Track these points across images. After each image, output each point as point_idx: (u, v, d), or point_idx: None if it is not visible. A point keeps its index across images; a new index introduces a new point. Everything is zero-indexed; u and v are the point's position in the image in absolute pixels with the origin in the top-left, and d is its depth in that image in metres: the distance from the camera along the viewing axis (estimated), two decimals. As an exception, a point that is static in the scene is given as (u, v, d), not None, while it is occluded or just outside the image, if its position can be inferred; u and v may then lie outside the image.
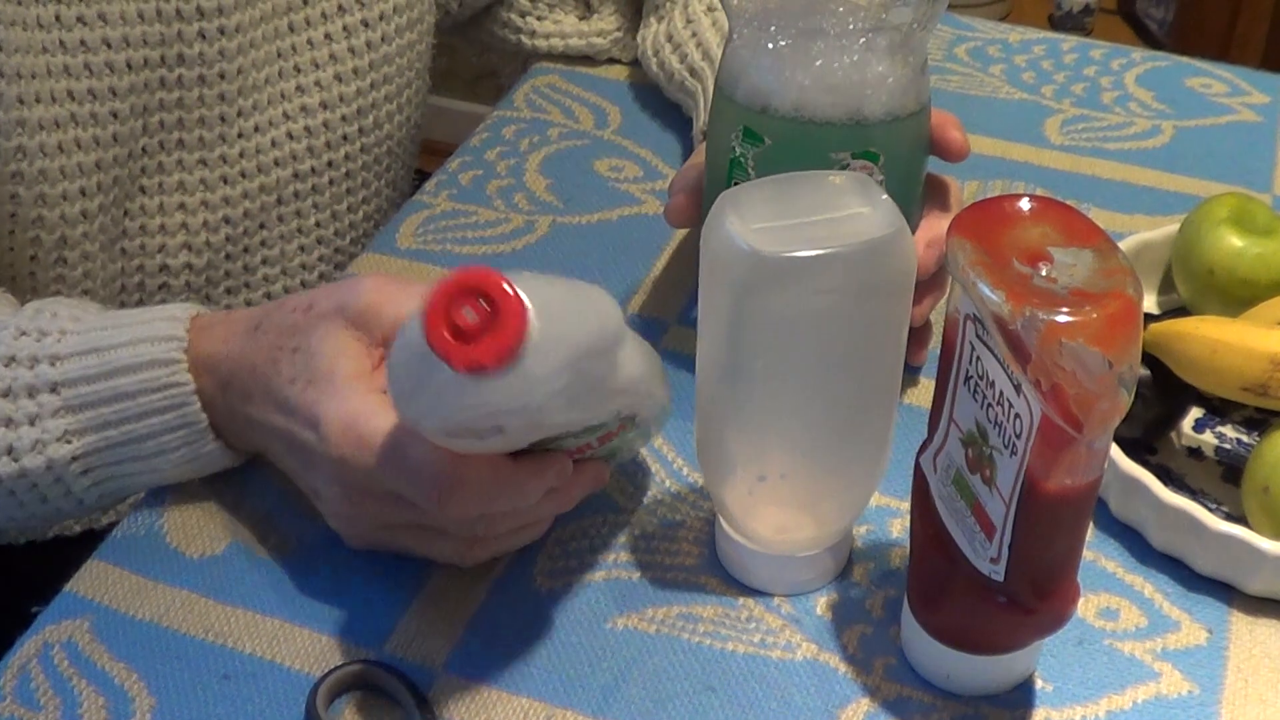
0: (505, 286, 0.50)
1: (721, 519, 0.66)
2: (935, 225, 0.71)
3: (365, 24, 0.88)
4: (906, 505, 0.63)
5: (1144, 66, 1.07)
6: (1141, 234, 0.80)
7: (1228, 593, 0.66)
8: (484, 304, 0.50)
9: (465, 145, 0.96)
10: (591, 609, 0.64)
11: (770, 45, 0.66)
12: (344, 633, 0.63)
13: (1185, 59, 1.08)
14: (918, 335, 0.74)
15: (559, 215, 0.89)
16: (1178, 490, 0.66)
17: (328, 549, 0.66)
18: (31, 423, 0.63)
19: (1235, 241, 0.75)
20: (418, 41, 0.93)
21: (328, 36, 0.87)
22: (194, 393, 0.64)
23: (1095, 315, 0.49)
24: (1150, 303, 0.81)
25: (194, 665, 0.62)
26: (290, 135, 0.86)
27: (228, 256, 0.86)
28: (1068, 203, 0.54)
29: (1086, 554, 0.66)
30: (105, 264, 0.80)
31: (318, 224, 0.90)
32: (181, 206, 0.82)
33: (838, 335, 0.57)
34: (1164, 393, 0.71)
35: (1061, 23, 2.20)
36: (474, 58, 2.40)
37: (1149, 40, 2.20)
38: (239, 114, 0.83)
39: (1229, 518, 0.66)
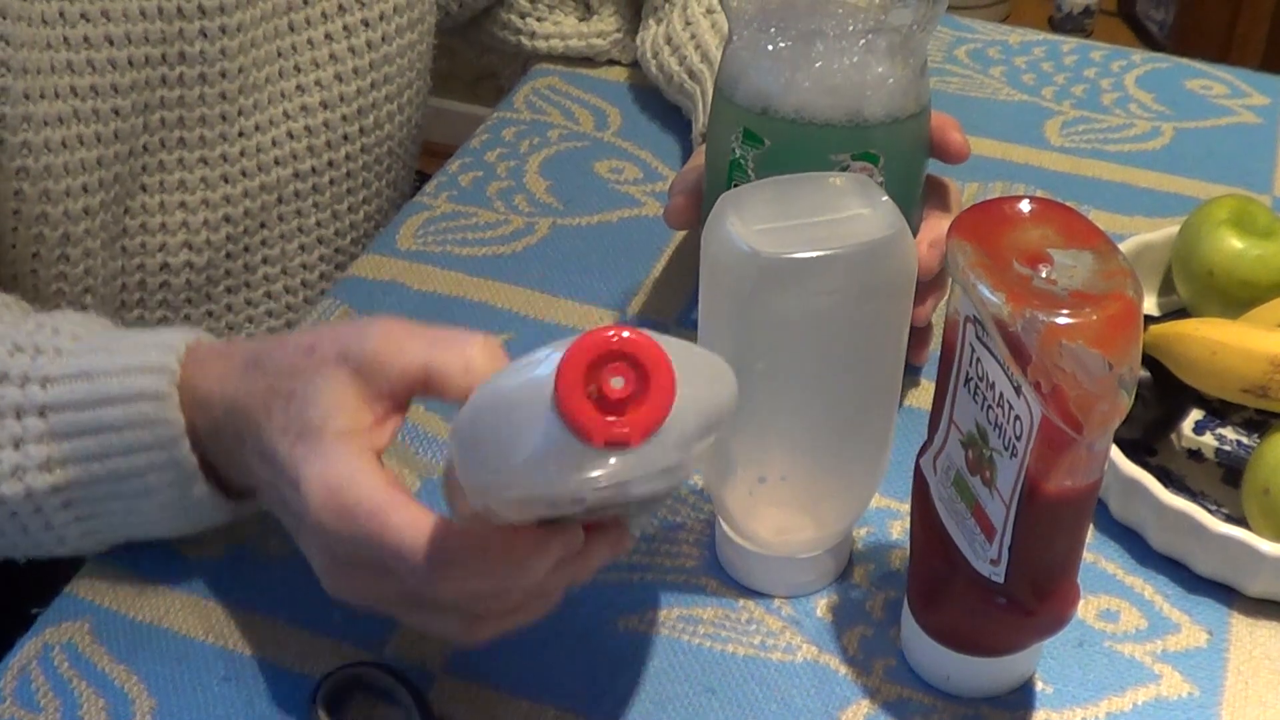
0: (660, 352, 0.45)
1: (721, 521, 0.66)
2: (937, 226, 0.71)
3: (366, 24, 0.88)
4: (907, 507, 0.63)
5: (1144, 68, 1.07)
6: (1141, 235, 0.80)
7: (1228, 595, 0.66)
8: (627, 369, 0.45)
9: (465, 147, 0.96)
10: (591, 611, 0.64)
11: (770, 47, 0.66)
12: (344, 634, 0.63)
13: (1185, 61, 1.08)
14: (920, 334, 0.74)
15: (559, 217, 0.89)
16: (1178, 492, 0.66)
17: (328, 550, 0.66)
18: (15, 446, 0.60)
19: (1235, 243, 0.75)
20: (418, 41, 0.93)
21: (328, 36, 0.87)
22: (183, 431, 0.59)
23: (1095, 317, 0.49)
24: (1150, 304, 0.81)
25: (194, 667, 0.62)
26: (291, 134, 0.86)
27: (228, 256, 0.86)
28: (1068, 204, 0.54)
29: (1086, 556, 0.66)
30: (106, 262, 0.80)
31: (318, 224, 0.90)
32: (182, 205, 0.82)
33: (838, 336, 0.57)
34: (1164, 394, 0.71)
35: (1061, 24, 2.20)
36: (474, 59, 2.40)
37: (1149, 42, 2.20)
38: (239, 113, 0.83)
39: (1229, 519, 0.66)
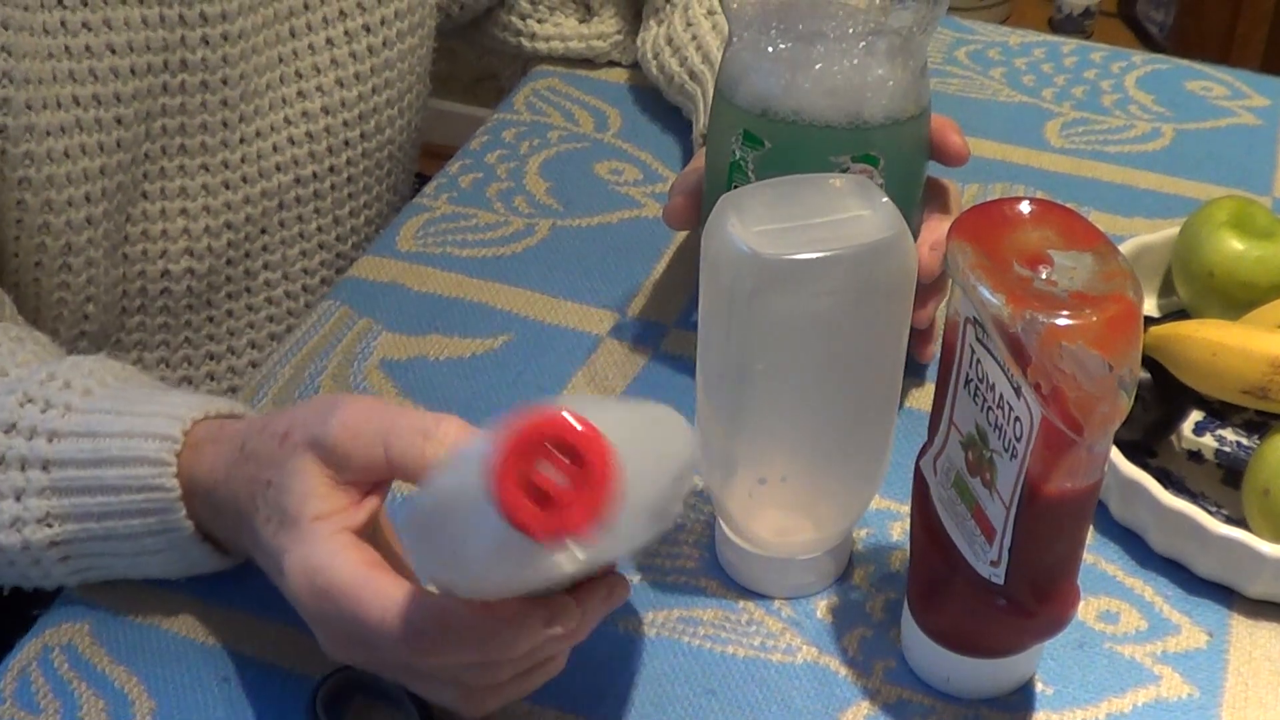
0: (593, 437, 0.42)
1: (721, 522, 0.66)
2: (937, 229, 0.71)
3: (366, 29, 0.88)
4: (907, 508, 0.63)
5: (1144, 69, 1.07)
6: (1141, 237, 0.80)
7: (1228, 596, 0.66)
8: (563, 457, 0.42)
9: (465, 148, 0.96)
10: (592, 612, 0.64)
11: (770, 49, 0.66)
12: (344, 636, 0.63)
13: (1185, 62, 1.08)
14: (924, 332, 0.74)
15: (559, 218, 0.89)
16: (1178, 493, 0.66)
17: (328, 552, 0.66)
18: (17, 497, 0.61)
19: (1235, 244, 0.75)
20: (419, 46, 0.93)
21: (329, 41, 0.87)
22: (179, 499, 0.60)
23: (1095, 318, 0.49)
24: (1150, 306, 0.81)
25: (194, 668, 0.62)
26: (292, 140, 0.86)
27: (229, 262, 0.86)
28: (1068, 206, 0.54)
29: (1087, 557, 0.66)
30: (108, 270, 0.80)
31: (319, 229, 0.90)
32: (183, 212, 0.82)
33: (838, 338, 0.57)
34: (1164, 396, 0.71)
35: (1062, 25, 2.20)
36: (474, 60, 2.40)
37: (1149, 43, 2.20)
38: (241, 119, 0.83)
39: (1229, 521, 0.66)
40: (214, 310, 0.87)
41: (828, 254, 0.55)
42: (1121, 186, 0.93)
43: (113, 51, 0.75)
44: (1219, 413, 0.74)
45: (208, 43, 0.79)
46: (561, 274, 0.85)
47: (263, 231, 0.87)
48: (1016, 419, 0.52)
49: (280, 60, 0.85)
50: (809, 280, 0.55)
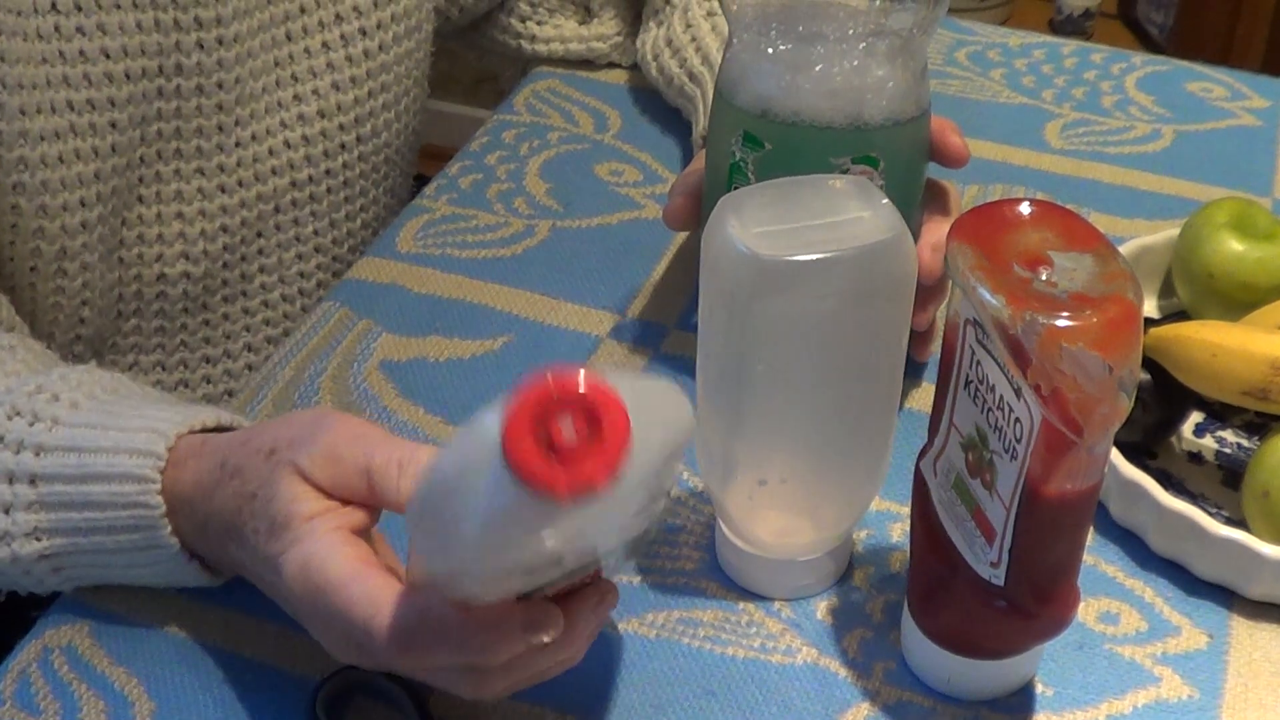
0: (607, 394, 0.42)
1: (721, 523, 0.65)
2: (938, 231, 0.71)
3: (363, 32, 0.88)
4: (907, 510, 0.63)
5: (1144, 70, 1.07)
6: (1141, 238, 0.80)
7: (1228, 597, 0.66)
8: (575, 414, 0.42)
9: (465, 149, 0.96)
10: (591, 613, 0.64)
11: (770, 50, 0.66)
12: (344, 637, 0.63)
13: (1185, 63, 1.08)
14: (923, 332, 0.74)
15: (559, 219, 0.89)
16: (1178, 495, 0.66)
17: (328, 553, 0.66)
18: (5, 511, 0.61)
19: (1235, 246, 0.75)
20: (416, 49, 0.93)
21: (325, 45, 0.87)
22: (163, 516, 0.60)
23: (1095, 319, 0.49)
24: (1150, 307, 0.81)
25: (194, 669, 0.62)
26: (288, 144, 0.86)
27: (225, 266, 0.86)
28: (1068, 207, 0.54)
29: (1087, 558, 0.66)
30: (104, 274, 0.80)
31: (315, 232, 0.90)
32: (179, 216, 0.82)
33: (838, 339, 0.57)
34: (1164, 397, 0.71)
35: (1062, 27, 2.20)
36: (474, 62, 2.40)
37: (1149, 44, 2.20)
38: (237, 123, 0.83)
39: (1229, 522, 0.66)
40: (210, 314, 0.87)
41: (828, 255, 0.55)
42: (1121, 188, 0.93)
43: (107, 56, 0.75)
44: (1219, 414, 0.74)
45: (203, 47, 0.79)
46: (561, 275, 0.85)
47: (259, 235, 0.87)
48: (1016, 420, 0.52)
49: (276, 64, 0.85)
50: (809, 282, 0.55)
